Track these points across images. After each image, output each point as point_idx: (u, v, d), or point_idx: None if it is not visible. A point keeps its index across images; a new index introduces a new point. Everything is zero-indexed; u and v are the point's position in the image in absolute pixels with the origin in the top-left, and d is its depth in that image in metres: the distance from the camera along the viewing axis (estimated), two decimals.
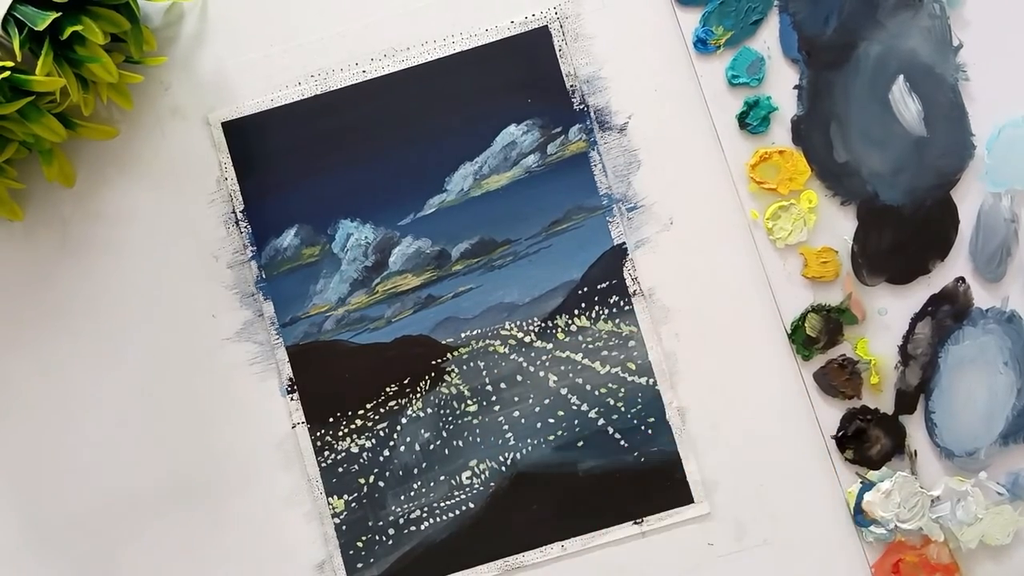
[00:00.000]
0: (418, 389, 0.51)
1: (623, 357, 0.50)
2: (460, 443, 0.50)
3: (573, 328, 0.51)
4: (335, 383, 0.51)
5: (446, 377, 0.51)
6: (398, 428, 0.51)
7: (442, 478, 0.50)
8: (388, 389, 0.51)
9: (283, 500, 0.51)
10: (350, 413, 0.51)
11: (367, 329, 0.51)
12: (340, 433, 0.51)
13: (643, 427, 0.50)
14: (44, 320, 0.51)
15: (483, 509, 0.50)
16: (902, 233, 0.51)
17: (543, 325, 0.51)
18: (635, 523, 0.50)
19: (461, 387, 0.51)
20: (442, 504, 0.50)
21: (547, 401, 0.50)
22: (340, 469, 0.50)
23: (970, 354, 0.50)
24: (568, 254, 0.51)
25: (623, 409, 0.50)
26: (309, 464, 0.50)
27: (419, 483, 0.50)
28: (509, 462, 0.50)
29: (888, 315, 0.51)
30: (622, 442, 0.50)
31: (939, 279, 0.51)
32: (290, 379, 0.51)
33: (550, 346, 0.51)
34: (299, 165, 0.51)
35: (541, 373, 0.51)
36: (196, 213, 0.51)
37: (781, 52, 0.51)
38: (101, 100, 0.50)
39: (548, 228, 0.51)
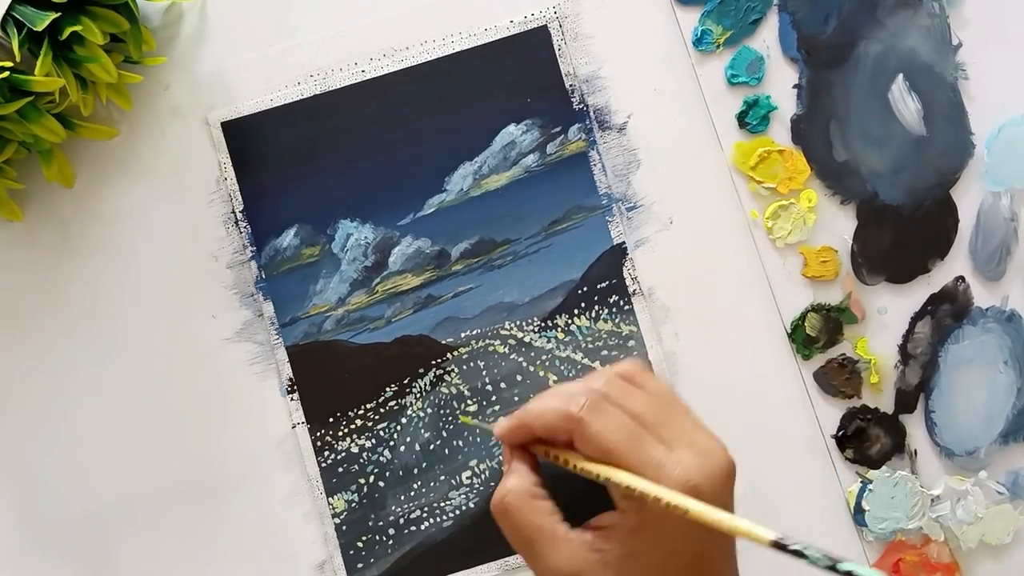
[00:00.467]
0: (418, 389, 0.51)
1: (623, 357, 0.50)
2: (460, 443, 0.50)
3: (573, 328, 0.51)
4: (335, 383, 0.51)
5: (446, 377, 0.51)
6: (398, 428, 0.51)
7: (442, 478, 0.50)
8: (388, 389, 0.51)
9: (283, 500, 0.51)
10: (350, 413, 0.51)
11: (367, 329, 0.51)
12: (340, 433, 0.50)
13: None
14: (43, 320, 0.51)
15: (483, 509, 0.50)
16: (902, 232, 0.51)
17: (543, 325, 0.51)
18: None
19: (461, 387, 0.51)
20: (442, 504, 0.50)
21: None
22: (340, 469, 0.50)
23: (970, 353, 0.50)
24: (568, 254, 0.51)
25: None
26: (309, 464, 0.50)
27: (419, 483, 0.50)
28: None
29: (888, 314, 0.51)
30: None
31: (939, 278, 0.51)
32: (290, 379, 0.51)
33: (550, 346, 0.51)
34: (299, 165, 0.51)
35: (541, 373, 0.51)
36: (195, 213, 0.51)
37: (780, 51, 0.51)
38: (100, 100, 0.50)
39: (548, 228, 0.51)
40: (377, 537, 0.50)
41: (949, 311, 0.50)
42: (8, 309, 0.51)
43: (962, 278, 0.51)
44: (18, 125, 0.47)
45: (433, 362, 0.51)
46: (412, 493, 0.50)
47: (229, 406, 0.51)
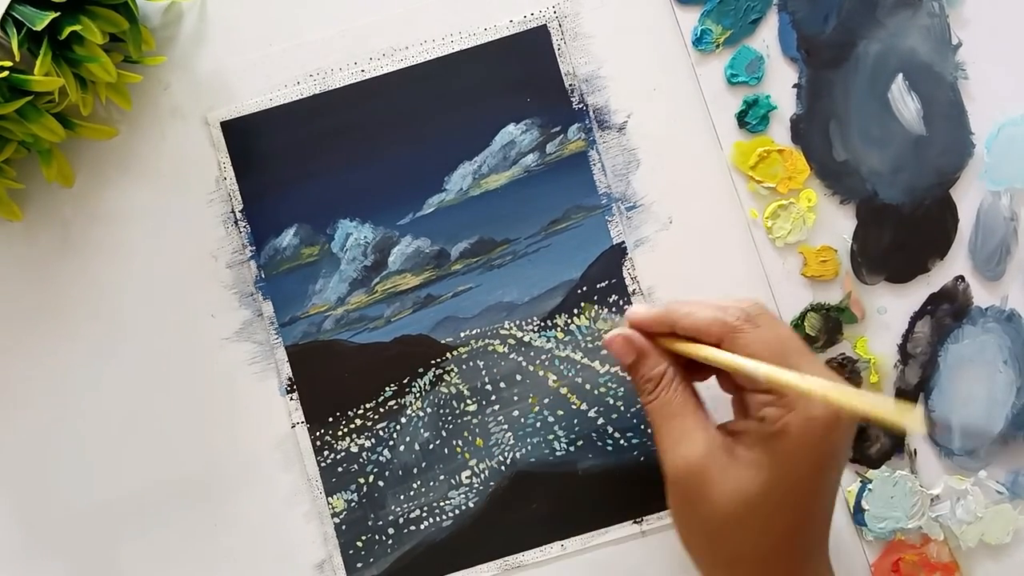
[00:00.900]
0: (417, 389, 0.51)
1: None
2: (460, 442, 0.50)
3: (572, 327, 0.51)
4: (334, 383, 0.51)
5: (446, 377, 0.51)
6: (397, 428, 0.51)
7: (442, 478, 0.50)
8: (388, 389, 0.51)
9: (283, 500, 0.51)
10: (350, 413, 0.51)
11: (366, 329, 0.51)
12: (340, 433, 0.51)
13: (643, 426, 0.50)
14: (43, 320, 0.51)
15: (483, 509, 0.50)
16: (901, 232, 0.51)
17: (542, 324, 0.51)
18: (635, 523, 0.50)
19: (460, 386, 0.51)
20: (442, 504, 0.50)
21: (547, 400, 0.50)
22: (340, 469, 0.50)
23: (969, 353, 0.50)
24: (567, 253, 0.51)
25: (623, 409, 0.50)
26: (309, 464, 0.50)
27: (419, 483, 0.50)
28: (509, 461, 0.50)
29: (887, 314, 0.51)
30: (622, 442, 0.50)
31: (938, 278, 0.51)
32: (289, 379, 0.51)
33: (550, 345, 0.51)
34: (298, 165, 0.51)
35: (540, 373, 0.51)
36: (195, 213, 0.51)
37: (780, 51, 0.51)
38: (100, 100, 0.50)
39: (547, 227, 0.51)
40: (377, 537, 0.50)
41: (949, 311, 0.50)
42: (8, 309, 0.51)
43: (962, 278, 0.51)
44: (18, 125, 0.47)
45: (432, 362, 0.51)
46: (412, 493, 0.50)
47: (229, 406, 0.51)
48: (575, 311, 0.51)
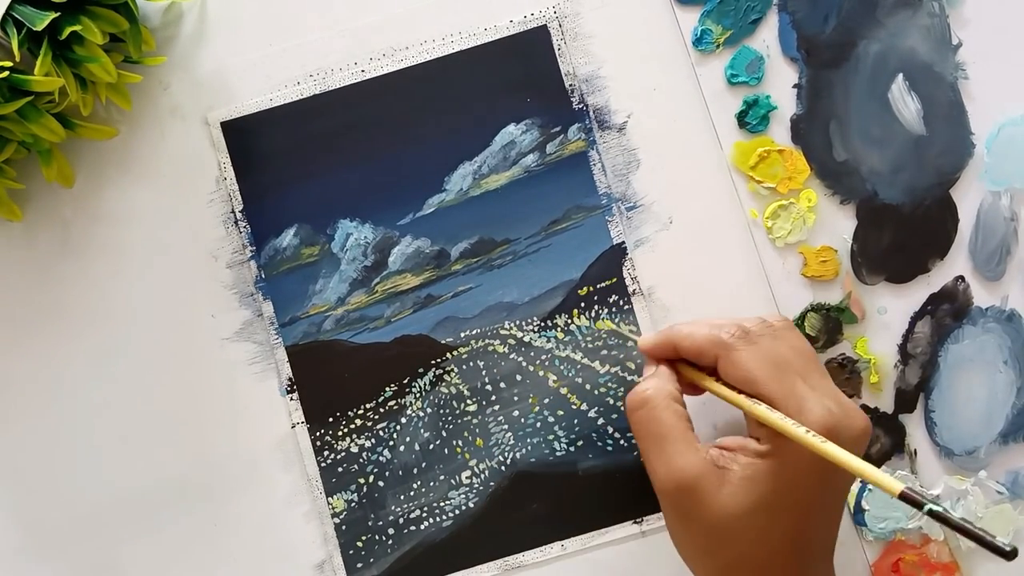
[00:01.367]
0: (418, 389, 0.51)
1: (623, 356, 0.50)
2: (460, 442, 0.50)
3: (573, 327, 0.51)
4: (335, 383, 0.51)
5: (446, 377, 0.51)
6: (397, 428, 0.51)
7: (442, 478, 0.50)
8: (388, 389, 0.51)
9: (283, 500, 0.51)
10: (350, 413, 0.51)
11: (367, 329, 0.51)
12: (340, 433, 0.50)
13: None
14: (43, 320, 0.51)
15: (483, 509, 0.50)
16: (901, 232, 0.51)
17: (542, 324, 0.51)
18: (635, 523, 0.50)
19: (461, 387, 0.51)
20: (442, 504, 0.50)
21: (547, 400, 0.50)
22: (340, 469, 0.50)
23: (970, 353, 0.50)
24: (567, 253, 0.51)
25: (623, 409, 0.50)
26: (309, 464, 0.50)
27: (419, 483, 0.50)
28: (509, 462, 0.50)
29: (888, 314, 0.51)
30: (622, 442, 0.50)
31: (938, 278, 0.51)
32: (289, 379, 0.51)
33: (550, 345, 0.51)
34: (298, 165, 0.51)
35: (541, 373, 0.51)
36: (195, 213, 0.51)
37: (780, 51, 0.51)
38: (100, 100, 0.50)
39: (547, 227, 0.51)
40: (377, 537, 0.50)
41: (949, 311, 0.50)
42: (8, 309, 0.51)
43: (962, 278, 0.51)
44: (18, 125, 0.47)
45: (433, 362, 0.51)
46: (412, 493, 0.50)
47: (229, 406, 0.51)
48: (575, 311, 0.51)
